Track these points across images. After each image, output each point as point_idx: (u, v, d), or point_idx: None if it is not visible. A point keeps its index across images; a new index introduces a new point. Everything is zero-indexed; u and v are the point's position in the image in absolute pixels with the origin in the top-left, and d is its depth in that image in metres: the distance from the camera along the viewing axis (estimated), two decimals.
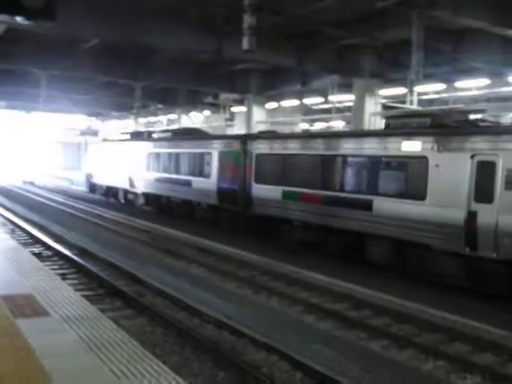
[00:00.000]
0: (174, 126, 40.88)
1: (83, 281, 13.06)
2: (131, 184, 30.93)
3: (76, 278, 13.27)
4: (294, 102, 33.50)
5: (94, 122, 58.10)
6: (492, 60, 21.30)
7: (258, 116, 32.50)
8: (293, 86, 30.69)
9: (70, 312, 7.91)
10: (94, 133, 43.82)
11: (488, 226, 12.34)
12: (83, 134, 47.39)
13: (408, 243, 14.27)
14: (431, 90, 25.61)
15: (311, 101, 32.48)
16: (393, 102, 26.76)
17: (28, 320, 7.07)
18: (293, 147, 19.05)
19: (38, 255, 14.40)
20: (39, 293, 8.39)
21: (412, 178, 14.47)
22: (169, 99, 39.69)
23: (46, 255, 15.68)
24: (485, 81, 23.56)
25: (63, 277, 12.48)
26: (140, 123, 48.84)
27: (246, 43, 15.22)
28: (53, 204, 31.03)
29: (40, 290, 8.60)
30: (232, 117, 38.60)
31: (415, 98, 24.82)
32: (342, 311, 11.38)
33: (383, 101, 26.63)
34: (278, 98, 33.99)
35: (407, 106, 24.76)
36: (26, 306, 7.76)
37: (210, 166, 23.20)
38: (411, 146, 14.52)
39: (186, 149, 25.72)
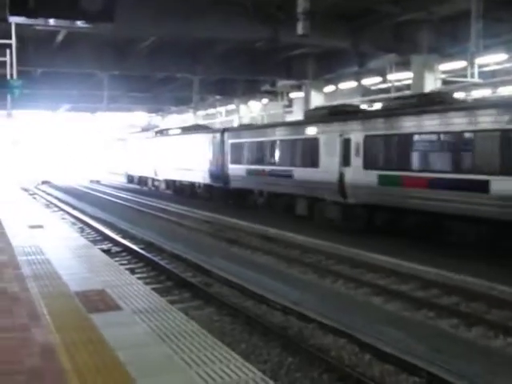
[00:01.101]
0: (233, 117, 41.44)
1: (151, 274, 13.32)
2: (155, 173, 38.50)
3: (144, 272, 13.55)
4: (352, 84, 33.11)
5: (154, 118, 59.08)
6: None
7: (316, 100, 32.28)
8: (350, 68, 30.33)
9: (140, 305, 8.09)
10: (155, 129, 44.56)
11: (348, 181, 18.82)
12: (144, 130, 48.26)
13: (314, 198, 20.81)
14: (492, 61, 24.83)
15: (369, 81, 32.04)
16: (453, 77, 26.08)
17: (101, 314, 7.26)
18: (251, 136, 26.10)
19: (107, 252, 14.75)
20: (110, 288, 8.60)
21: (311, 153, 21.01)
22: (226, 90, 39.92)
23: (115, 251, 16.07)
24: None
25: (132, 271, 12.76)
26: (199, 116, 49.28)
27: (300, 28, 15.18)
28: (118, 201, 31.74)
29: (111, 284, 8.82)
30: (290, 103, 38.50)
31: (476, 70, 24.10)
32: None
33: (443, 76, 26.00)
34: (335, 81, 33.68)
35: (468, 79, 24.09)
36: (98, 300, 7.98)
37: (204, 154, 30.39)
38: (311, 131, 21.30)
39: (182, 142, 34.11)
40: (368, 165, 18.02)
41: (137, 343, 6.40)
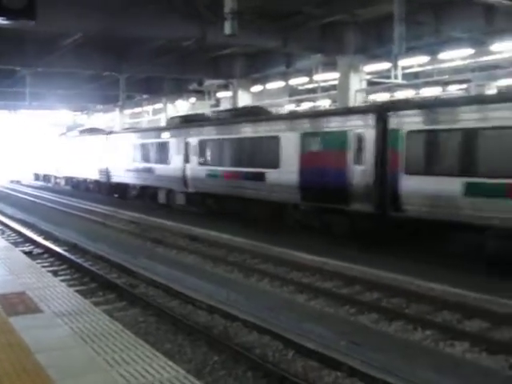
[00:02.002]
0: (160, 116, 41.40)
1: (75, 276, 13.09)
2: (57, 171, 42.74)
3: (68, 274, 13.30)
4: (280, 84, 33.40)
5: (80, 117, 57.87)
6: (474, 29, 21.27)
7: (244, 100, 32.43)
8: (277, 68, 30.59)
9: (63, 307, 7.95)
10: (80, 127, 43.80)
11: (188, 175, 23.67)
12: (69, 129, 47.39)
13: (169, 189, 25.45)
14: (415, 63, 25.58)
15: (296, 81, 32.40)
16: (378, 78, 26.73)
17: (21, 317, 7.11)
18: (127, 139, 30.70)
19: (28, 254, 14.39)
20: (31, 290, 8.42)
21: (166, 153, 25.79)
22: (154, 89, 39.52)
23: (37, 253, 15.70)
24: (468, 51, 23.54)
25: (55, 273, 12.51)
26: (125, 115, 48.64)
27: (228, 28, 15.13)
28: (40, 201, 30.96)
29: (32, 287, 8.63)
30: (218, 102, 38.53)
31: (399, 72, 24.79)
32: None
33: (368, 77, 26.60)
34: (262, 81, 33.89)
35: (392, 80, 24.75)
36: (18, 303, 7.79)
37: (94, 153, 34.28)
38: (166, 135, 25.88)
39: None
40: (201, 162, 23.23)
41: (58, 346, 6.30)
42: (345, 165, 16.01)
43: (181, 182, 24.44)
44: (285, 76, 32.38)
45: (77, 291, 10.21)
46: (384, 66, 25.75)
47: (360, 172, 15.57)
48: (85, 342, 6.39)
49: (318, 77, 28.78)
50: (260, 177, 19.45)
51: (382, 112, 15.48)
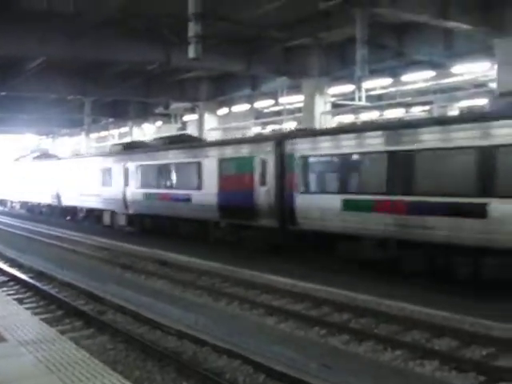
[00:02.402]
0: (126, 140, 41.23)
1: (41, 304, 12.82)
2: (12, 196, 43.87)
3: (34, 302, 13.03)
4: (245, 107, 33.60)
5: (45, 141, 57.28)
6: (435, 52, 21.73)
7: (210, 123, 32.52)
8: (243, 91, 30.83)
9: (27, 336, 7.78)
10: (44, 152, 43.32)
11: (128, 197, 25.36)
12: (33, 153, 46.89)
13: (113, 211, 27.35)
14: (378, 85, 25.97)
15: (262, 104, 32.61)
16: (342, 100, 27.06)
17: None
18: (70, 165, 32.66)
19: None
20: None
21: (109, 177, 27.39)
22: (119, 112, 39.41)
23: (1, 281, 15.36)
24: (430, 73, 24.01)
25: (20, 301, 12.24)
26: (91, 138, 48.32)
27: (192, 51, 15.17)
28: (4, 228, 30.34)
29: None
30: (184, 125, 38.55)
31: (363, 94, 25.14)
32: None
33: (333, 99, 26.91)
34: (228, 104, 34.06)
35: (356, 102, 25.08)
36: None
37: (47, 178, 35.43)
38: (108, 161, 27.70)
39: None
40: (139, 186, 24.86)
41: (22, 375, 6.16)
42: (252, 186, 18.27)
43: (122, 204, 26.26)
44: (250, 99, 32.60)
45: (42, 319, 10.01)
46: (348, 88, 26.06)
47: (264, 192, 17.81)
48: (50, 371, 6.25)
49: (283, 99, 29.01)
50: (187, 198, 21.67)
51: (279, 140, 17.76)
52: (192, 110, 35.84)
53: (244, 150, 19.07)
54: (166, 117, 39.15)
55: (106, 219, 28.37)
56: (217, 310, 12.01)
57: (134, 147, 27.22)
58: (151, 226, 24.84)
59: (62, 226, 29.02)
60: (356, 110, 27.94)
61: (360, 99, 25.19)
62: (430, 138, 13.24)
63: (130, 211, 25.78)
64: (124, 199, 25.98)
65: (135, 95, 32.44)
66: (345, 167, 15.59)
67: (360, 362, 8.64)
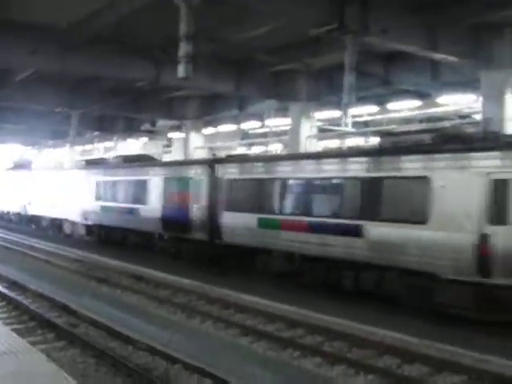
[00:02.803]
0: (111, 154, 41.10)
1: (13, 314, 12.70)
2: None
3: (5, 312, 12.90)
4: (232, 127, 33.67)
5: (29, 152, 56.93)
6: (421, 82, 22.00)
7: (196, 142, 32.56)
8: (230, 111, 30.91)
9: None
10: (28, 162, 42.99)
11: (88, 209, 27.58)
12: (16, 164, 46.49)
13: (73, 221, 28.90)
14: (365, 112, 26.18)
15: (248, 125, 32.71)
16: (328, 125, 27.22)
17: None
18: (36, 177, 35.20)
19: None
20: None
21: (70, 191, 29.24)
22: (106, 126, 39.26)
23: None
24: (416, 102, 24.26)
25: None
26: (76, 151, 48.17)
27: (181, 71, 15.18)
28: None
29: None
30: (170, 143, 38.53)
31: (350, 120, 25.29)
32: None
33: (319, 123, 27.07)
34: (215, 124, 34.13)
35: (342, 128, 25.23)
36: None
37: (17, 189, 37.35)
38: (73, 175, 30.13)
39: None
40: (97, 198, 27.23)
41: None
42: (188, 204, 21.05)
43: (81, 214, 28.55)
44: (237, 119, 32.69)
45: (13, 330, 9.92)
46: (335, 113, 26.23)
47: (197, 209, 20.64)
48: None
49: (269, 121, 29.12)
50: (135, 211, 24.21)
51: (211, 164, 20.72)
52: (178, 128, 35.86)
53: (183, 171, 22.13)
54: (152, 133, 39.12)
55: (67, 228, 30.78)
56: (190, 328, 11.95)
57: (95, 163, 30.56)
58: (105, 236, 27.24)
59: (36, 236, 28.89)
60: (342, 136, 28.10)
61: (346, 125, 25.32)
62: (327, 169, 16.07)
63: (90, 222, 28.23)
64: (83, 210, 28.38)
65: (123, 111, 32.40)
66: (259, 190, 18.34)
67: None
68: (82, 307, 12.88)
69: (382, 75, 22.50)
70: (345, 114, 24.87)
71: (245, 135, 33.54)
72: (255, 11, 16.34)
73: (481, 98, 19.79)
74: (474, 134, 14.17)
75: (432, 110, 24.00)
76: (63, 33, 19.49)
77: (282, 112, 27.55)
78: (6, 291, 14.67)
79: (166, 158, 36.01)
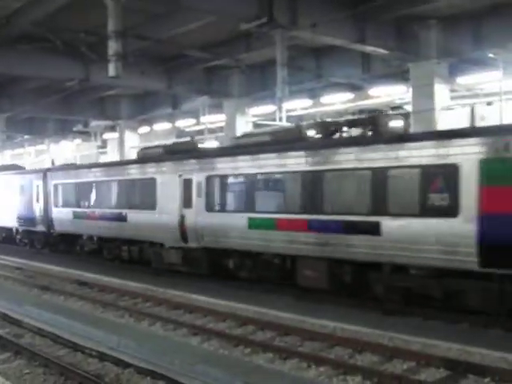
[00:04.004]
0: (43, 157, 40.08)
1: None
2: None
3: None
4: (167, 126, 33.42)
5: None
6: (353, 75, 22.38)
7: (131, 141, 32.18)
8: (164, 110, 30.69)
9: None
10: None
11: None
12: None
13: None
14: (299, 106, 26.41)
15: (183, 123, 32.52)
16: (263, 120, 27.35)
17: None
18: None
19: None
20: None
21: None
22: (36, 129, 38.30)
23: None
24: (348, 95, 24.64)
25: None
26: (6, 155, 46.79)
27: (112, 69, 14.91)
28: None
29: None
30: (104, 144, 37.92)
31: (284, 114, 25.51)
32: None
33: (254, 119, 27.17)
34: (150, 122, 33.80)
35: (277, 122, 25.42)
36: None
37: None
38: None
39: None
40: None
41: None
42: (33, 203, 26.50)
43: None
44: (172, 117, 32.47)
45: None
46: (270, 108, 26.37)
47: (38, 207, 26.08)
48: None
49: (204, 119, 29.05)
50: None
51: (45, 172, 26.43)
52: (112, 128, 35.32)
53: (28, 178, 27.67)
54: (86, 135, 38.38)
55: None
56: (139, 331, 11.83)
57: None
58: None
59: None
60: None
61: (281, 120, 25.53)
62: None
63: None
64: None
65: (53, 112, 31.66)
66: (74, 191, 23.78)
67: (285, 379, 8.68)
68: (25, 316, 12.54)
69: (313, 69, 22.78)
70: (279, 108, 25.27)
71: (180, 133, 33.30)
72: (185, 7, 16.22)
73: (410, 89, 20.29)
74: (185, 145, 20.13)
75: (364, 103, 24.43)
76: None
77: (217, 109, 27.51)
78: None
79: (102, 160, 35.43)
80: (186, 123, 32.38)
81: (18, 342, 10.58)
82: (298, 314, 11.97)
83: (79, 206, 23.10)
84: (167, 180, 18.25)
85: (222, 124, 27.50)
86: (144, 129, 34.18)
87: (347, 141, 14.24)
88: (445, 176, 11.46)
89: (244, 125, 25.86)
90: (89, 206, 22.50)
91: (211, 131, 29.78)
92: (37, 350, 10.07)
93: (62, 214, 24.25)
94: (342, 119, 18.98)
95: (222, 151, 18.22)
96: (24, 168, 32.80)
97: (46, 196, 25.48)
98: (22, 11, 17.46)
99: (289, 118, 25.98)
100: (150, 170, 19.29)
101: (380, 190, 12.43)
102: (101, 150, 38.16)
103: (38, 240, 26.90)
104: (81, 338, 10.55)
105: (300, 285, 14.18)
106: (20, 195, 27.79)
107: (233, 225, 15.75)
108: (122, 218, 20.19)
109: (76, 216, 23.18)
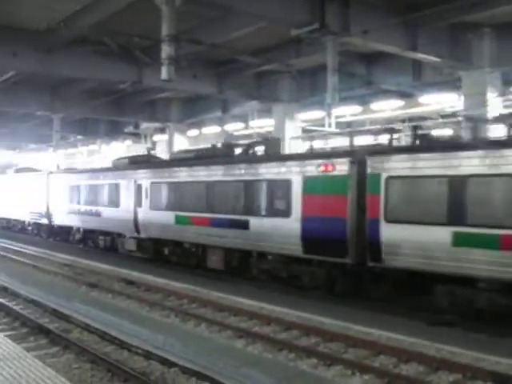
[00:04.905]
0: (95, 157, 40.90)
1: (5, 321, 12.64)
2: None
3: None
4: (216, 129, 33.71)
5: (11, 156, 56.43)
6: (403, 82, 22.20)
7: (180, 144, 32.56)
8: (213, 113, 30.95)
9: None
10: (10, 167, 42.50)
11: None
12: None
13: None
14: (348, 112, 26.33)
15: (232, 127, 32.76)
16: (312, 126, 27.34)
17: None
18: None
19: None
20: None
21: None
22: (89, 130, 39.15)
23: None
24: (398, 102, 24.47)
25: None
26: (59, 154, 47.77)
27: (164, 73, 15.14)
28: None
29: None
30: (154, 146, 38.48)
31: (333, 120, 25.43)
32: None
33: (303, 124, 27.19)
34: (199, 126, 34.14)
35: (326, 128, 25.37)
36: None
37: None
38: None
39: None
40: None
41: None
42: (39, 200, 30.79)
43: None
44: (221, 121, 32.74)
45: (7, 336, 9.90)
46: (319, 114, 26.35)
47: (44, 204, 30.11)
48: None
49: (253, 123, 29.20)
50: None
51: (48, 174, 30.86)
52: (162, 131, 35.82)
53: (35, 178, 32.12)
54: (136, 136, 39.03)
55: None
56: (185, 331, 11.98)
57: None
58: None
59: (21, 241, 28.81)
60: (326, 136, 28.23)
61: (330, 125, 25.46)
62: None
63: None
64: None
65: (105, 114, 32.33)
66: (71, 192, 27.61)
67: None
68: (73, 312, 12.85)
69: (364, 75, 22.69)
70: (328, 114, 25.20)
71: (229, 137, 33.55)
72: (237, 12, 16.39)
73: (462, 97, 20.04)
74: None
75: (414, 110, 24.22)
76: (43, 34, 19.47)
77: (266, 113, 27.63)
78: None
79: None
80: (234, 127, 32.62)
81: (66, 337, 10.86)
82: (342, 321, 11.95)
83: (72, 203, 27.28)
84: (126, 185, 22.81)
85: (271, 129, 27.59)
86: (193, 132, 34.55)
87: (222, 159, 18.74)
88: (282, 188, 15.63)
89: (293, 130, 25.93)
90: (78, 203, 26.68)
91: (260, 135, 29.91)
92: (85, 345, 10.31)
93: (59, 210, 28.72)
94: (248, 141, 22.23)
95: (161, 164, 22.76)
96: (38, 170, 36.52)
97: (48, 195, 30.03)
98: (79, 15, 17.93)
99: (338, 124, 25.90)
100: (116, 176, 23.88)
101: (249, 197, 16.91)
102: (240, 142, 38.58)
103: (44, 230, 31.91)
104: (127, 335, 10.76)
105: (208, 267, 18.49)
106: (30, 194, 32.03)
107: (166, 220, 20.20)
108: (99, 214, 24.82)
109: (69, 212, 27.52)
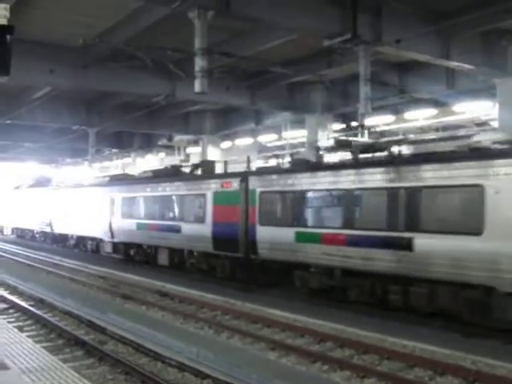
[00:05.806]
0: (129, 170, 41.36)
1: (42, 332, 12.81)
2: None
3: (34, 330, 13.02)
4: (249, 140, 33.83)
5: (47, 170, 57.36)
6: (437, 90, 22.00)
7: (213, 156, 32.72)
8: (247, 125, 31.07)
9: (29, 364, 7.82)
10: (47, 180, 43.19)
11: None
12: (35, 181, 46.86)
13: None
14: (381, 122, 26.20)
15: (265, 138, 32.83)
16: (345, 136, 27.22)
17: None
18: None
19: None
20: None
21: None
22: (123, 143, 39.62)
23: (2, 308, 15.37)
24: (432, 111, 24.25)
25: (21, 329, 12.25)
26: (94, 168, 48.47)
27: (198, 86, 15.26)
28: (5, 255, 30.27)
29: None
30: (187, 158, 38.76)
31: (366, 130, 25.33)
32: None
33: (336, 135, 27.11)
34: (232, 137, 34.31)
35: (358, 138, 25.25)
36: None
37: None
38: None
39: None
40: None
41: None
42: (43, 211, 35.81)
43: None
44: (254, 132, 32.84)
45: (44, 347, 10.03)
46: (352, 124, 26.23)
47: (47, 214, 34.65)
48: None
49: (286, 134, 29.22)
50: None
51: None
52: (196, 143, 36.07)
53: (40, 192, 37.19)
54: (170, 149, 39.37)
55: None
56: (218, 343, 11.99)
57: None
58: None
59: (56, 253, 29.26)
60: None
61: (363, 135, 25.36)
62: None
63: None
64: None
65: (139, 127, 32.69)
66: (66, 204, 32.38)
67: None
68: (109, 324, 12.97)
69: (397, 84, 22.56)
70: (361, 125, 25.11)
71: (262, 148, 33.67)
72: (268, 24, 16.45)
73: (497, 105, 19.77)
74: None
75: (448, 119, 23.98)
76: (79, 50, 19.82)
77: (299, 124, 27.64)
78: (33, 309, 14.80)
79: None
80: (267, 138, 32.70)
81: (102, 349, 10.95)
82: (377, 332, 11.82)
83: (66, 215, 32.18)
84: (105, 197, 27.32)
85: (304, 139, 27.59)
86: (226, 143, 34.72)
87: (166, 179, 23.43)
88: (201, 200, 20.46)
89: (325, 140, 25.87)
90: (72, 214, 31.27)
91: (293, 146, 29.94)
92: (120, 357, 10.37)
93: (58, 219, 33.66)
94: (190, 163, 27.89)
95: (129, 181, 27.12)
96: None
97: (51, 207, 34.79)
98: (113, 31, 18.27)
99: (371, 134, 25.78)
100: (100, 191, 28.63)
101: (181, 207, 21.96)
102: (184, 164, 38.96)
103: (49, 238, 36.83)
104: (161, 347, 10.81)
105: (158, 264, 23.14)
106: (37, 206, 37.24)
107: (131, 227, 24.78)
108: (85, 223, 29.75)
109: (65, 222, 32.57)
